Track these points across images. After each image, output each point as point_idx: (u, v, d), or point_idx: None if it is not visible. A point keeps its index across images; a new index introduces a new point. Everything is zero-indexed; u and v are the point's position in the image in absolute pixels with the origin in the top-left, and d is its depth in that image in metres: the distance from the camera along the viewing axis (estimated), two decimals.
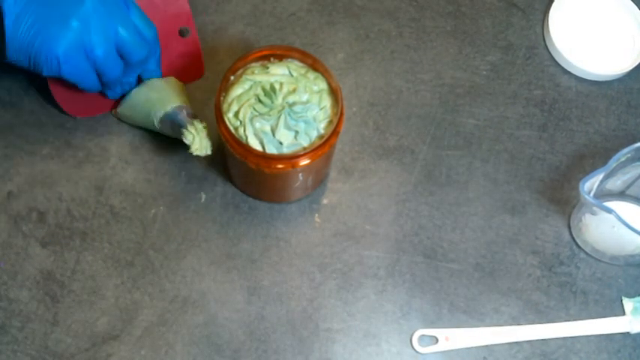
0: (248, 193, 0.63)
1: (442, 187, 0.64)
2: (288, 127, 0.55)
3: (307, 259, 0.61)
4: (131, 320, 0.58)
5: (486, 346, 0.59)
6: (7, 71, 0.65)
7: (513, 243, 0.63)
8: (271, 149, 0.55)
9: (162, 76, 0.63)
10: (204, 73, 0.66)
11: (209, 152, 0.58)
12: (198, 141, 0.58)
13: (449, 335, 0.59)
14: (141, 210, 0.62)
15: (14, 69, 0.56)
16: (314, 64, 0.57)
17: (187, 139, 0.58)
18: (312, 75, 0.56)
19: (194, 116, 0.60)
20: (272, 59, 0.57)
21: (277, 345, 0.58)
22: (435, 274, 0.61)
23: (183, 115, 0.60)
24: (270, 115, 0.55)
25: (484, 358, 0.59)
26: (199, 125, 0.58)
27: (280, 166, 0.54)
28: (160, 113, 0.61)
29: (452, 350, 0.59)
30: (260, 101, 0.55)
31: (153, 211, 0.62)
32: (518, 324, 0.60)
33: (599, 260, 0.62)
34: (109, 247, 0.60)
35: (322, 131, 0.56)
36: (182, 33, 0.65)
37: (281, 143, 0.55)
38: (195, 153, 0.58)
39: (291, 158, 0.54)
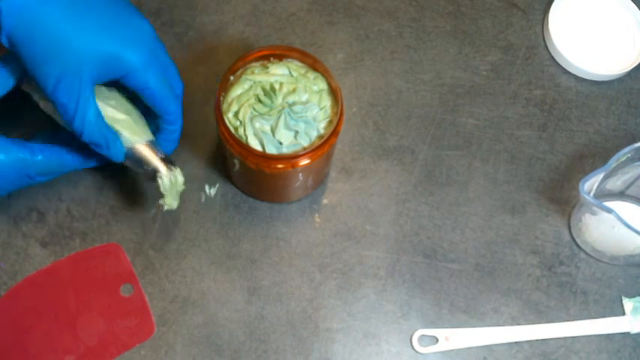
0: (248, 193, 0.63)
1: (442, 187, 0.64)
2: (288, 127, 0.55)
3: (307, 259, 0.61)
4: None
5: (486, 346, 0.59)
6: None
7: (513, 243, 0.63)
8: (271, 149, 0.55)
9: (109, 339, 0.57)
10: (155, 330, 0.58)
11: (175, 207, 0.55)
12: (174, 193, 0.55)
13: (449, 335, 0.59)
14: (141, 210, 0.62)
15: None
16: (314, 64, 0.57)
17: (165, 188, 0.54)
18: (312, 75, 0.56)
19: (169, 160, 0.55)
20: (272, 59, 0.57)
21: (277, 345, 0.58)
22: (435, 274, 0.61)
23: (157, 159, 0.54)
24: (270, 115, 0.55)
25: (484, 358, 0.59)
26: (179, 178, 0.55)
27: (280, 166, 0.54)
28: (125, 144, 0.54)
29: (452, 350, 0.59)
30: (260, 101, 0.55)
31: (153, 211, 0.62)
32: (518, 324, 0.60)
33: (599, 260, 0.62)
34: None
35: (322, 131, 0.56)
36: (124, 292, 0.59)
37: (281, 143, 0.55)
38: (165, 207, 0.55)
39: (291, 158, 0.54)
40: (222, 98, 0.55)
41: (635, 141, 0.57)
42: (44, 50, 0.49)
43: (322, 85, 0.56)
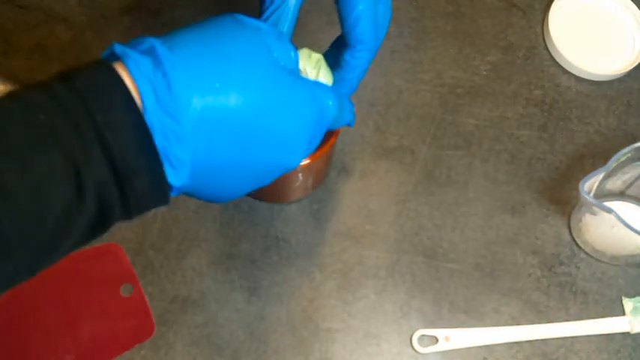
0: (248, 193, 0.63)
1: (442, 187, 0.64)
2: None
3: (307, 259, 0.61)
4: None
5: (486, 346, 0.59)
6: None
7: (513, 243, 0.63)
8: None
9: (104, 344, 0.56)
10: (155, 330, 0.58)
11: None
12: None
13: (449, 335, 0.59)
14: None
15: None
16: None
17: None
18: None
19: None
20: None
21: (277, 345, 0.58)
22: (435, 274, 0.61)
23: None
24: None
25: (484, 358, 0.59)
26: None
27: None
28: None
29: (452, 350, 0.59)
30: None
31: (153, 211, 0.62)
32: (518, 324, 0.60)
33: (599, 260, 0.62)
34: None
35: None
36: (124, 292, 0.59)
37: None
38: None
39: None
40: None
41: (635, 141, 0.57)
42: None
43: None
